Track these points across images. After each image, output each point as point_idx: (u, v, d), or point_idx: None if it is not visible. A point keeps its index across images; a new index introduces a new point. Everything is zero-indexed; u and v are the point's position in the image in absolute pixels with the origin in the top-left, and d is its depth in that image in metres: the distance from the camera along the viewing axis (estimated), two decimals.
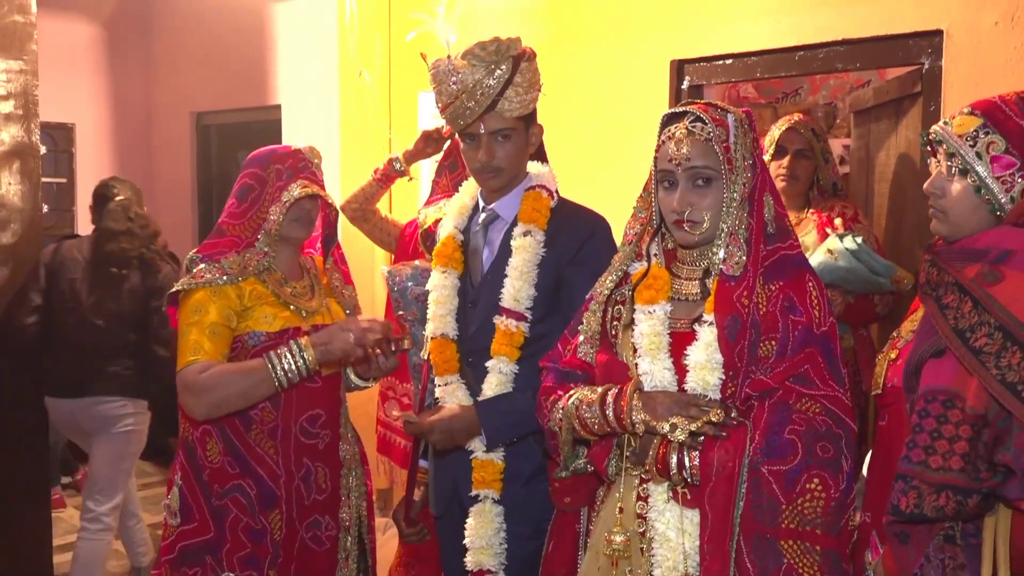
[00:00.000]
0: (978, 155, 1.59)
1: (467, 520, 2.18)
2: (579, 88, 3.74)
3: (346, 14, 4.49)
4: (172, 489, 2.24)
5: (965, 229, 1.62)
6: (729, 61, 3.39)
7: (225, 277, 2.18)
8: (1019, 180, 1.56)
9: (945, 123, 1.66)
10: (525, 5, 3.93)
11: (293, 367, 2.10)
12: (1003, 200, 1.58)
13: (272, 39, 5.24)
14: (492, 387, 2.16)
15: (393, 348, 2.19)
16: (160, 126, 6.33)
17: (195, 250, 2.28)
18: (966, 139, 1.61)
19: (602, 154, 3.69)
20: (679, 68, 3.53)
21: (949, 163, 1.63)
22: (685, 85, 3.52)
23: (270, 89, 5.29)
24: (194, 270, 2.22)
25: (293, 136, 5.12)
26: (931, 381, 1.50)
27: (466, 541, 2.17)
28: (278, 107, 5.24)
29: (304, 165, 2.33)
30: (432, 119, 4.45)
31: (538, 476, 2.12)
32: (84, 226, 6.25)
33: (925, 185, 1.68)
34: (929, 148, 1.70)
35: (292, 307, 2.26)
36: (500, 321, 2.16)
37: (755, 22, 3.27)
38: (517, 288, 2.15)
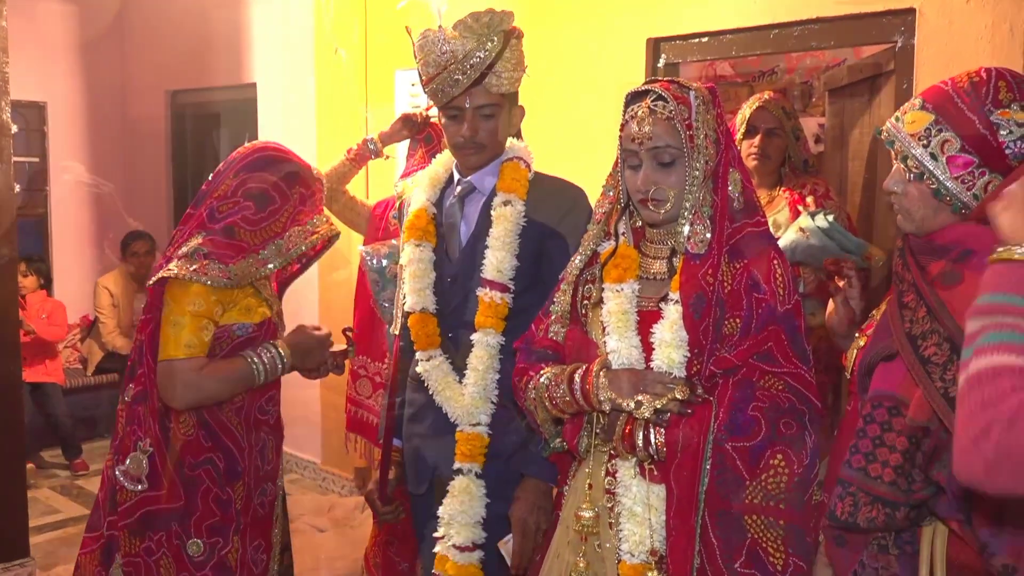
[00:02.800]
0: (932, 156, 1.50)
1: (447, 495, 2.16)
2: (556, 65, 3.73)
3: None
4: (130, 455, 2.26)
5: (931, 227, 1.53)
6: (705, 39, 3.40)
7: (227, 281, 2.19)
8: (980, 178, 1.47)
9: (896, 119, 1.56)
10: None
11: (272, 368, 2.28)
12: (966, 199, 1.49)
13: (247, 17, 5.20)
14: (480, 360, 2.15)
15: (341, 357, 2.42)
16: (135, 104, 6.28)
17: (201, 241, 2.21)
18: (919, 139, 1.51)
19: (578, 132, 3.69)
20: (655, 46, 3.53)
21: (904, 165, 1.54)
22: (661, 63, 3.52)
23: (245, 67, 5.26)
24: (198, 264, 2.17)
25: (269, 115, 5.10)
26: (880, 385, 1.48)
27: (446, 515, 2.15)
28: (253, 85, 5.21)
29: (322, 198, 2.47)
30: (409, 98, 4.44)
31: (519, 453, 2.12)
32: (57, 206, 6.21)
33: (884, 183, 1.60)
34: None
35: (263, 296, 2.32)
36: (484, 293, 2.14)
37: (731, 0, 3.28)
38: (500, 259, 2.13)
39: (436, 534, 2.16)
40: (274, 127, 5.07)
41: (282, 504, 2.50)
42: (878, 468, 1.42)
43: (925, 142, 1.50)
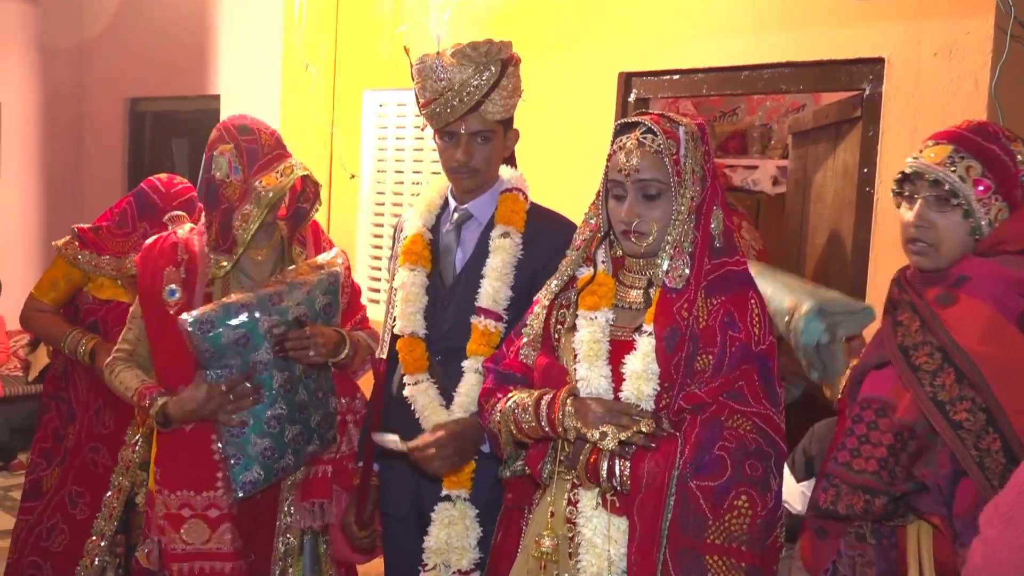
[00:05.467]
0: (961, 178, 1.60)
1: (435, 521, 2.14)
2: (528, 96, 3.72)
3: (295, 7, 4.43)
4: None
5: (951, 259, 1.62)
6: (676, 76, 3.43)
7: (75, 262, 3.04)
8: (995, 203, 1.59)
9: (915, 158, 1.67)
10: (477, 14, 3.93)
11: (73, 347, 2.92)
12: (983, 224, 1.60)
13: (215, 27, 5.14)
14: (469, 387, 2.13)
15: None
16: (92, 110, 6.16)
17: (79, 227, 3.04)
18: (946, 165, 1.61)
19: (548, 162, 3.70)
20: (627, 81, 3.56)
21: (934, 193, 1.63)
22: (632, 98, 3.55)
23: (210, 78, 5.19)
24: (66, 242, 3.03)
25: None
26: (869, 390, 1.56)
27: (440, 542, 2.12)
28: (217, 97, 5.14)
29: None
30: (376, 119, 4.42)
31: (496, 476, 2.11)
32: (6, 206, 6.05)
33: (911, 219, 1.67)
34: (898, 191, 1.71)
35: (121, 285, 3.05)
36: (478, 321, 2.14)
37: (703, 40, 3.32)
38: (496, 288, 2.14)
39: (428, 563, 2.12)
40: None
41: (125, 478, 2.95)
42: (862, 463, 1.49)
43: (952, 167, 1.60)
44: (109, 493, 2.93)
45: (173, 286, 2.35)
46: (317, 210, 2.56)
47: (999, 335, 1.41)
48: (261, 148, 2.40)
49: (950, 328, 1.45)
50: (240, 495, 2.30)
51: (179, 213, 3.03)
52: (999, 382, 1.38)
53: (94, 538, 2.92)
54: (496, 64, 2.12)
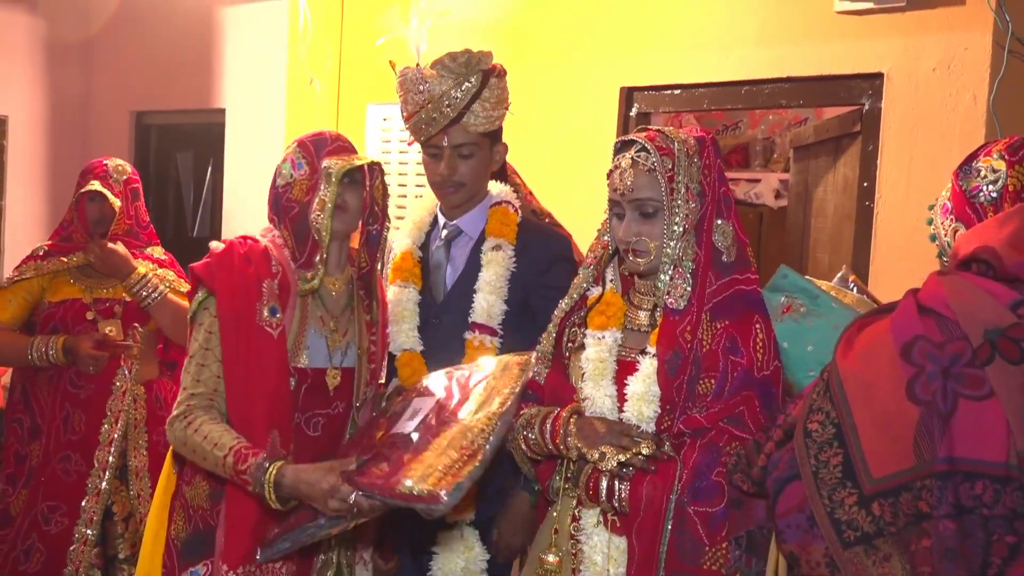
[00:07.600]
0: (941, 205, 1.64)
1: (440, 551, 2.11)
2: (529, 110, 3.76)
3: (299, 21, 4.46)
4: None
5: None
6: (677, 91, 3.46)
7: (17, 277, 3.11)
8: (951, 224, 1.59)
9: None
10: (479, 27, 3.95)
11: (42, 354, 2.85)
12: (945, 244, 1.61)
13: (220, 42, 5.18)
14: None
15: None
16: (98, 123, 6.18)
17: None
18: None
19: (550, 177, 3.71)
20: (628, 95, 3.59)
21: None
22: (633, 112, 3.58)
23: (215, 92, 5.22)
24: (19, 264, 3.16)
25: (237, 141, 5.06)
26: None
27: (448, 571, 2.10)
28: (222, 111, 5.17)
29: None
30: (380, 132, 4.44)
31: (500, 495, 2.11)
32: (12, 220, 6.07)
33: None
34: None
35: (79, 285, 3.06)
36: (472, 336, 2.13)
37: (705, 55, 3.34)
38: (490, 303, 2.13)
39: None
40: (241, 154, 5.04)
41: (106, 481, 2.89)
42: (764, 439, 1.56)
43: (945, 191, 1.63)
44: (87, 499, 2.89)
45: (274, 304, 1.94)
46: (388, 230, 2.16)
47: (876, 355, 1.39)
48: (327, 139, 2.05)
49: (847, 345, 1.45)
50: (261, 559, 1.90)
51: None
52: (857, 399, 1.38)
53: (76, 546, 2.88)
54: (477, 75, 2.10)
